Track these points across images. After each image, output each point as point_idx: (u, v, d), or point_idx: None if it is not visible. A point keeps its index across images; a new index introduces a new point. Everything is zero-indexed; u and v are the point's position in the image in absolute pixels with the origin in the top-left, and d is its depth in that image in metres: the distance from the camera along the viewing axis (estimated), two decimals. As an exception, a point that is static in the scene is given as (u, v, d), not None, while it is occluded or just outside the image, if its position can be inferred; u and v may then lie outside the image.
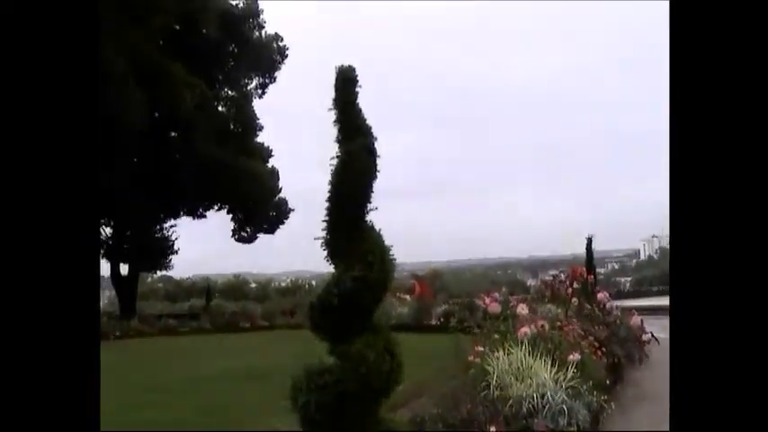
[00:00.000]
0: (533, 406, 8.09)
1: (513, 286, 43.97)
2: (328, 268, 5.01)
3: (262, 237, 42.09)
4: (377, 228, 4.99)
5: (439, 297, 31.82)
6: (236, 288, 51.66)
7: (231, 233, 41.76)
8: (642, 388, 12.56)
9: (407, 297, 31.64)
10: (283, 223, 42.04)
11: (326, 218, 4.99)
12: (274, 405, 4.91)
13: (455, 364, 9.82)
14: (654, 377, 13.31)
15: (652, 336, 13.80)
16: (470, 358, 9.37)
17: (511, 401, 8.19)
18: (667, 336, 11.99)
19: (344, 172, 4.90)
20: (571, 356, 9.50)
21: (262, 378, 14.17)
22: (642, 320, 13.92)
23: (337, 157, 4.98)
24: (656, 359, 14.14)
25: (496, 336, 10.00)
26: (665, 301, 34.27)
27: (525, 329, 9.58)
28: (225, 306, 38.38)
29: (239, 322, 33.87)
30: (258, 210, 40.35)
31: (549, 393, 8.20)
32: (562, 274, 16.23)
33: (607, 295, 14.82)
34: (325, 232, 5.04)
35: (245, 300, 43.60)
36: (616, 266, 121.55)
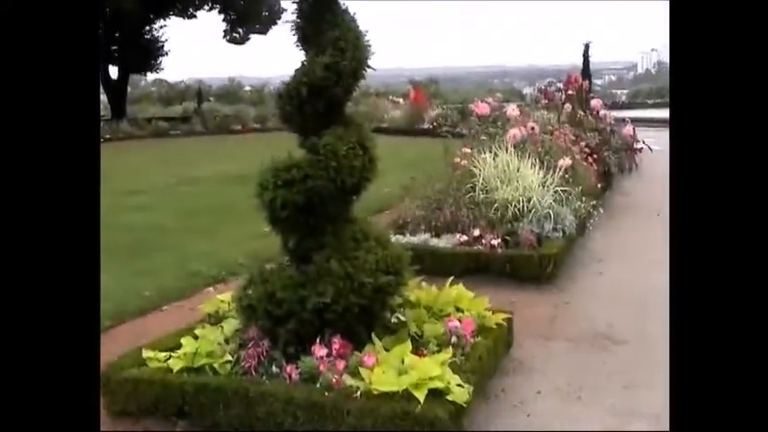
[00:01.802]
0: (519, 210, 7.88)
1: (509, 95, 43.43)
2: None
3: (256, 38, 40.97)
4: (351, 12, 4.52)
5: (434, 103, 31.25)
6: (231, 92, 50.89)
7: (223, 34, 40.56)
8: (631, 196, 12.41)
9: (401, 100, 31.26)
10: (276, 24, 40.66)
11: (297, -1, 4.51)
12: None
13: (443, 168, 9.53)
14: (643, 186, 13.13)
15: (644, 144, 13.39)
16: (457, 160, 9.06)
17: (496, 205, 7.98)
18: (659, 147, 11.61)
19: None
20: (561, 161, 9.22)
21: (249, 180, 13.91)
22: (635, 129, 13.44)
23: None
24: (647, 169, 13.90)
25: (484, 138, 9.65)
26: (659, 113, 33.99)
27: (515, 132, 9.23)
28: (218, 109, 37.73)
29: (231, 125, 33.52)
30: (250, 9, 38.94)
31: (535, 197, 7.97)
32: (559, 83, 15.68)
33: (601, 102, 14.21)
34: (295, 15, 4.57)
35: (239, 103, 42.94)
36: (613, 78, 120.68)
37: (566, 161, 9.28)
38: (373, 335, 4.50)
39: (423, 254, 7.41)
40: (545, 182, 8.38)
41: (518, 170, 8.42)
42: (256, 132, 31.53)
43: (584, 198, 8.92)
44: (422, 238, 7.72)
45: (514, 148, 9.06)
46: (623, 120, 14.63)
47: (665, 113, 33.34)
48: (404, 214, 8.33)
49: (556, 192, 8.28)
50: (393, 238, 7.77)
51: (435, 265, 7.33)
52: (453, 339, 4.50)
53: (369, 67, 4.57)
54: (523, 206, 7.88)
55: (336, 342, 4.32)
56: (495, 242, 7.39)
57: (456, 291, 5.31)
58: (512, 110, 10.31)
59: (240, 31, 40.79)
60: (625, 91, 59.58)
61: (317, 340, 4.32)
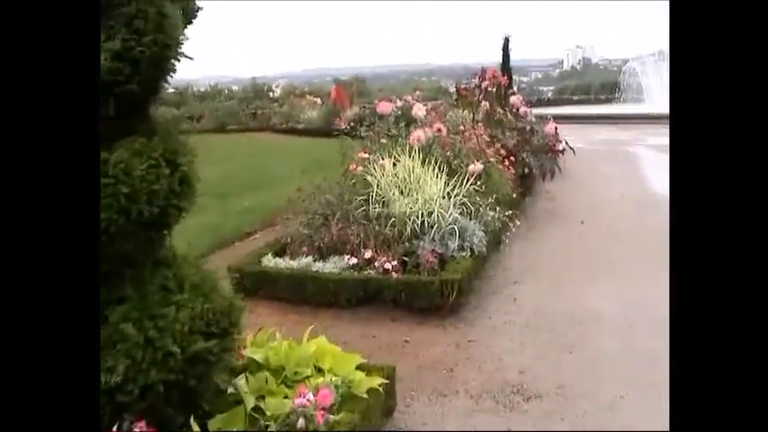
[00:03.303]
0: (418, 226, 6.74)
1: (435, 92, 42.84)
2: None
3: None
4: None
5: (358, 102, 29.91)
6: None
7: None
8: (554, 202, 11.41)
9: (317, 100, 29.99)
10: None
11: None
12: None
13: (338, 176, 8.31)
14: (566, 189, 12.15)
15: (566, 144, 12.27)
16: (352, 167, 7.88)
17: (393, 220, 6.83)
18: (584, 144, 10.75)
19: None
20: (472, 166, 8.15)
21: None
22: (557, 128, 12.26)
23: None
24: (570, 170, 12.90)
25: (384, 141, 8.47)
26: (584, 109, 33.61)
27: (419, 134, 8.06)
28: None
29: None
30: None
31: (436, 210, 6.83)
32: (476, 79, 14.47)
33: (521, 99, 13.01)
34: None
35: (162, 105, 41.36)
36: (539, 75, 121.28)
37: (477, 166, 8.21)
38: (192, 419, 3.31)
39: (303, 280, 6.31)
40: (452, 192, 7.27)
41: (419, 179, 7.28)
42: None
43: (498, 208, 7.86)
44: (303, 261, 6.54)
45: (419, 152, 7.93)
46: (546, 117, 13.55)
47: (589, 110, 33.26)
48: (286, 232, 7.13)
49: (463, 203, 7.17)
50: (272, 263, 6.62)
51: (318, 294, 6.26)
52: (300, 424, 3.32)
53: (182, 54, 3.38)
54: (424, 221, 6.75)
55: (138, 428, 3.14)
56: (388, 265, 6.26)
57: (316, 345, 4.10)
58: (417, 109, 9.06)
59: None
60: (551, 88, 59.56)
61: (114, 428, 3.13)
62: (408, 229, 6.69)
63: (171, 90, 51.04)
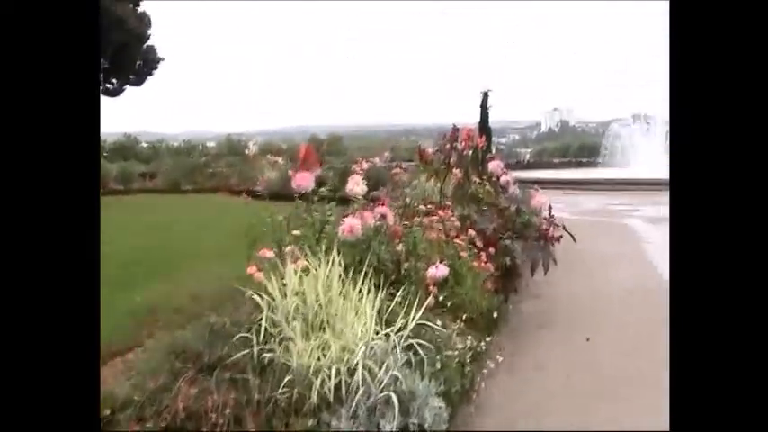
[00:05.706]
0: (330, 389, 3.92)
1: (411, 153, 41.13)
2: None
3: (155, 95, 38.11)
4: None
5: (333, 162, 27.04)
6: (127, 147, 47.40)
7: (95, 86, 36.78)
8: (545, 300, 8.65)
9: (278, 159, 27.28)
10: (152, 74, 37.99)
11: None
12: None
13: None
14: (558, 282, 9.35)
15: (564, 230, 9.22)
16: (250, 271, 5.02)
17: (290, 377, 4.01)
18: (572, 215, 9.35)
19: None
20: (432, 270, 5.46)
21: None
22: (551, 207, 9.19)
23: None
24: (561, 252, 9.96)
25: (297, 233, 5.63)
26: (566, 173, 31.62)
27: (352, 224, 5.30)
28: (107, 167, 33.15)
29: (86, 187, 29.14)
30: (124, 57, 35.51)
31: (361, 364, 4.00)
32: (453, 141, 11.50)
33: (502, 166, 9.96)
34: None
35: (134, 159, 39.87)
36: (517, 137, 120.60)
37: (440, 269, 5.50)
38: None
39: None
40: (394, 322, 4.47)
41: (338, 304, 4.47)
42: (118, 195, 27.06)
43: (470, 338, 5.14)
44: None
45: (353, 250, 5.20)
46: (532, 186, 10.76)
47: (571, 174, 31.26)
48: (116, 393, 4.29)
49: (410, 346, 4.36)
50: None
51: None
52: None
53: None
54: (341, 383, 3.94)
55: None
56: (270, 477, 3.46)
57: None
58: (354, 183, 6.17)
59: (113, 81, 37.87)
60: (529, 150, 58.76)
61: None
62: (313, 399, 3.87)
63: (144, 144, 49.60)
